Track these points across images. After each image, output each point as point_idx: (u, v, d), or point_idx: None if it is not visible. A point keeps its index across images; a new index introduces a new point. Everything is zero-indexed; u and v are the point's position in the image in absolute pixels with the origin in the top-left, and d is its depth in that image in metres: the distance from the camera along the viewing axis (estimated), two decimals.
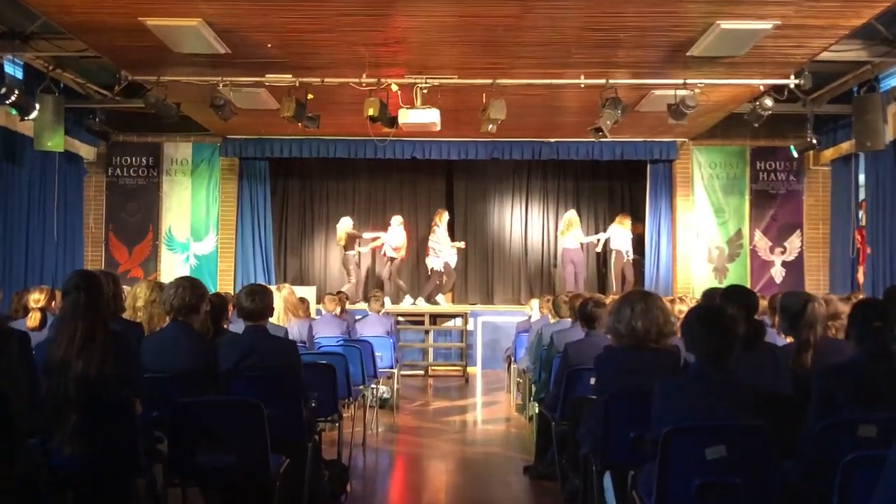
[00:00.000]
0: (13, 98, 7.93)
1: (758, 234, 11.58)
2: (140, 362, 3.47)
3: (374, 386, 7.14)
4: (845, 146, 10.45)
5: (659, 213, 11.83)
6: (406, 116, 8.13)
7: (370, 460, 6.18)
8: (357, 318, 8.67)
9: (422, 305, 11.66)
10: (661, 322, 3.61)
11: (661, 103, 8.67)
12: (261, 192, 12.05)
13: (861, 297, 6.51)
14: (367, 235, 12.17)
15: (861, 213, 10.39)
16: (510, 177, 13.36)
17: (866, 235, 10.07)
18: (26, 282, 9.09)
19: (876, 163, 9.62)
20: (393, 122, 8.35)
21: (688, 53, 7.36)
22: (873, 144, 8.61)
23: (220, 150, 11.70)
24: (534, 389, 6.39)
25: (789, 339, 4.63)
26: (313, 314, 8.70)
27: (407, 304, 11.77)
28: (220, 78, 8.10)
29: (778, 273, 11.50)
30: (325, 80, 8.11)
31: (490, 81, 8.04)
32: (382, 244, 11.97)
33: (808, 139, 9.94)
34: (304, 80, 8.13)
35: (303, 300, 7.21)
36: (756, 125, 9.05)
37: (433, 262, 11.82)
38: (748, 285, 10.98)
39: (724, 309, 3.15)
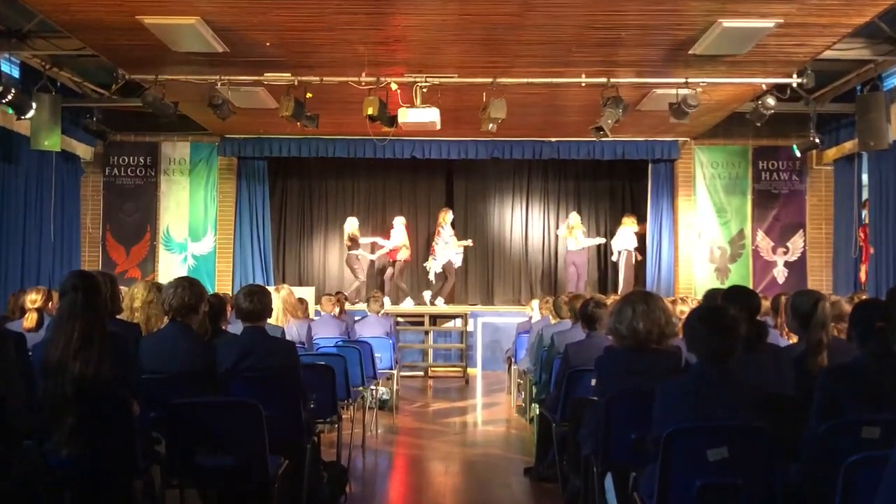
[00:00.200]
0: (9, 97, 7.93)
1: (760, 234, 11.58)
2: (138, 363, 3.48)
3: (373, 387, 7.14)
4: (848, 145, 10.45)
5: (660, 213, 11.83)
6: (406, 116, 8.13)
7: (369, 462, 6.18)
8: (356, 318, 8.67)
9: (441, 306, 11.66)
10: (662, 323, 3.61)
11: (662, 102, 8.68)
12: (259, 192, 12.05)
13: (864, 297, 6.53)
14: (371, 240, 12.11)
15: (864, 213, 10.39)
16: (510, 176, 13.36)
17: (869, 235, 10.07)
18: (23, 282, 9.10)
19: (879, 162, 9.63)
20: (392, 121, 8.35)
21: (689, 52, 7.36)
22: (876, 144, 8.61)
23: (219, 149, 11.70)
24: (534, 390, 6.39)
25: (793, 340, 4.64)
26: (312, 315, 8.71)
27: (407, 305, 11.77)
28: (218, 77, 8.10)
29: (780, 273, 11.50)
30: (325, 78, 8.11)
31: (490, 80, 8.04)
32: (394, 248, 11.93)
33: (811, 138, 9.94)
34: (303, 78, 8.13)
35: (301, 301, 7.22)
36: (758, 124, 9.05)
37: (432, 265, 11.81)
38: (750, 286, 10.96)
39: (726, 309, 3.16)
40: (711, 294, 4.50)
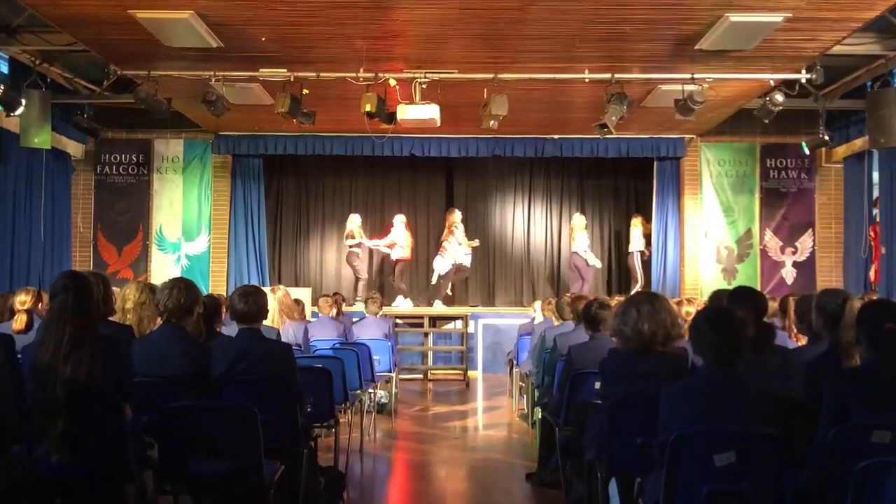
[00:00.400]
0: None
1: (768, 233, 11.58)
2: (130, 366, 3.48)
3: (371, 390, 7.14)
4: (858, 143, 10.45)
5: (666, 212, 11.83)
6: (405, 112, 8.13)
7: (367, 467, 6.18)
8: (354, 320, 8.67)
9: (439, 307, 11.72)
10: (668, 324, 3.61)
11: (668, 99, 8.68)
12: (254, 191, 12.05)
13: (875, 297, 6.53)
14: (371, 243, 12.11)
15: (875, 212, 10.39)
16: (512, 175, 13.36)
17: (880, 234, 10.07)
18: (12, 283, 9.09)
19: (890, 160, 9.63)
20: (391, 118, 8.35)
21: (696, 47, 7.36)
22: (887, 141, 8.61)
23: (213, 147, 11.70)
24: (537, 394, 6.39)
25: (801, 342, 4.64)
26: (309, 316, 8.71)
27: (406, 307, 11.77)
28: (212, 72, 8.10)
29: (789, 274, 11.50)
30: (321, 74, 8.12)
31: (492, 76, 8.04)
32: (392, 243, 11.94)
33: (820, 135, 9.94)
34: (300, 74, 8.13)
35: (298, 302, 7.21)
36: (766, 121, 9.05)
37: (439, 265, 11.81)
38: (758, 286, 10.99)
39: (734, 311, 3.16)
40: (717, 295, 4.50)
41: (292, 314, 6.33)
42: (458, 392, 10.17)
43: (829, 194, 11.54)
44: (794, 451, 2.88)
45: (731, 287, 5.91)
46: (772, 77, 8.30)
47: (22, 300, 5.13)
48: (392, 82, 8.07)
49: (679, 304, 6.07)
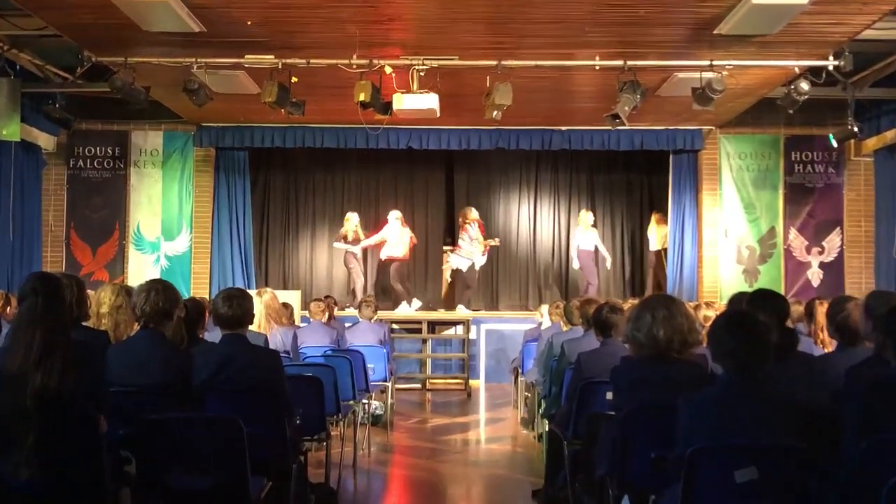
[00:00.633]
0: None
1: (793, 232, 11.58)
2: (106, 374, 3.47)
3: (365, 401, 7.14)
4: (890, 134, 10.45)
5: (683, 210, 11.83)
6: (401, 102, 8.13)
7: (361, 483, 6.18)
8: (347, 325, 8.67)
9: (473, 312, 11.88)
10: (685, 330, 3.61)
11: (685, 87, 8.68)
12: (240, 186, 12.06)
13: None
14: (364, 243, 12.12)
15: None
16: (517, 169, 13.37)
17: None
18: None
19: None
20: (387, 108, 8.35)
21: (715, 31, 7.36)
22: None
23: (195, 139, 11.70)
24: (543, 405, 6.39)
25: (828, 349, 4.65)
26: (298, 321, 8.70)
27: (404, 310, 11.78)
28: (194, 59, 8.10)
29: (815, 276, 11.50)
30: (311, 61, 8.12)
31: (495, 63, 8.04)
32: (382, 242, 11.95)
33: (849, 127, 9.93)
34: (288, 61, 8.13)
35: (286, 306, 7.21)
36: (791, 111, 9.05)
37: (458, 262, 11.86)
38: (782, 289, 11.01)
39: (756, 315, 3.16)
40: (737, 298, 4.50)
41: (280, 319, 6.33)
42: (459, 403, 10.17)
43: (859, 190, 11.53)
44: (821, 466, 2.88)
45: (753, 290, 5.92)
46: (797, 64, 8.29)
47: None
48: (388, 69, 8.07)
49: (697, 308, 6.08)
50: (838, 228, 11.55)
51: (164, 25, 7.26)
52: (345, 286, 12.71)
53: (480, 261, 12.07)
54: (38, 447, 3.02)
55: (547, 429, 5.68)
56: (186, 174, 11.81)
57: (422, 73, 8.12)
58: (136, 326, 3.90)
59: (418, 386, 11.12)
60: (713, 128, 11.57)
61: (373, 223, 12.78)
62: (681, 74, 8.59)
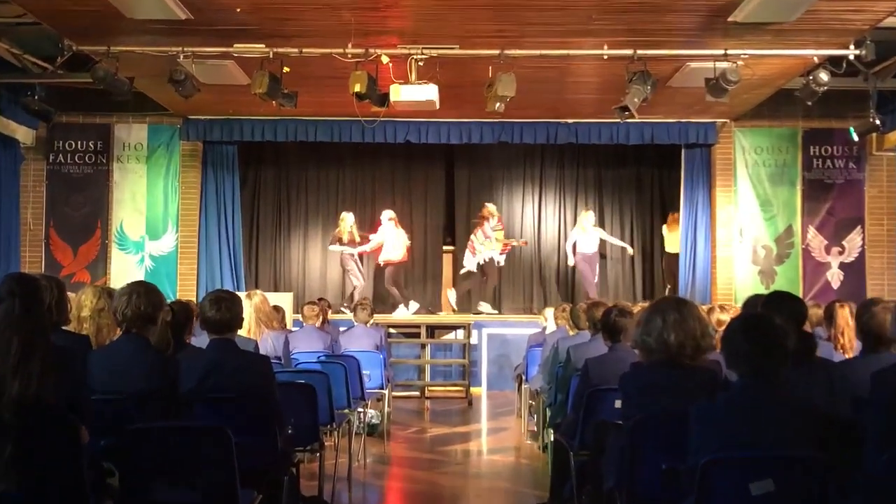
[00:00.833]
0: None
1: (811, 231, 11.58)
2: (87, 381, 3.47)
3: (361, 409, 7.15)
4: None
5: (695, 207, 11.84)
6: (399, 93, 8.14)
7: (356, 497, 6.19)
8: (342, 329, 8.67)
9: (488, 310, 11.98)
10: (697, 334, 3.61)
11: (698, 78, 8.68)
12: (228, 182, 12.06)
13: None
14: (357, 250, 12.12)
15: None
16: (520, 164, 13.37)
17: None
18: None
19: None
20: (383, 100, 8.35)
21: (729, 19, 7.37)
22: None
23: (181, 132, 11.70)
24: (548, 413, 6.40)
25: (848, 355, 4.65)
26: (290, 325, 8.70)
27: (401, 314, 11.78)
28: (180, 48, 8.10)
29: (835, 277, 11.50)
30: (304, 50, 8.12)
31: (498, 52, 8.04)
32: (379, 246, 11.97)
33: (871, 119, 9.93)
34: (280, 50, 8.13)
35: (277, 309, 7.21)
36: (809, 103, 9.04)
37: (469, 263, 11.99)
38: (800, 291, 11.01)
39: (772, 319, 3.16)
40: (752, 301, 4.50)
41: (271, 323, 6.33)
42: (460, 411, 10.17)
43: (881, 186, 11.54)
44: (841, 478, 2.88)
45: (769, 292, 5.93)
46: (816, 53, 8.29)
47: None
48: (385, 59, 8.07)
49: (710, 311, 6.08)
50: (859, 227, 11.55)
51: (148, 12, 7.26)
52: (339, 288, 12.72)
53: (498, 258, 12.12)
54: (16, 458, 3.02)
55: (552, 439, 5.68)
56: (172, 170, 11.81)
57: (420, 63, 8.12)
58: (120, 331, 3.90)
59: (416, 393, 11.12)
60: (727, 121, 11.57)
61: (369, 222, 12.78)
62: (693, 64, 8.59)
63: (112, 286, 6.51)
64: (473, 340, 11.34)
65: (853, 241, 11.55)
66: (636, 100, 8.22)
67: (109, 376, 3.63)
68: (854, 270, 11.51)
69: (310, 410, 5.02)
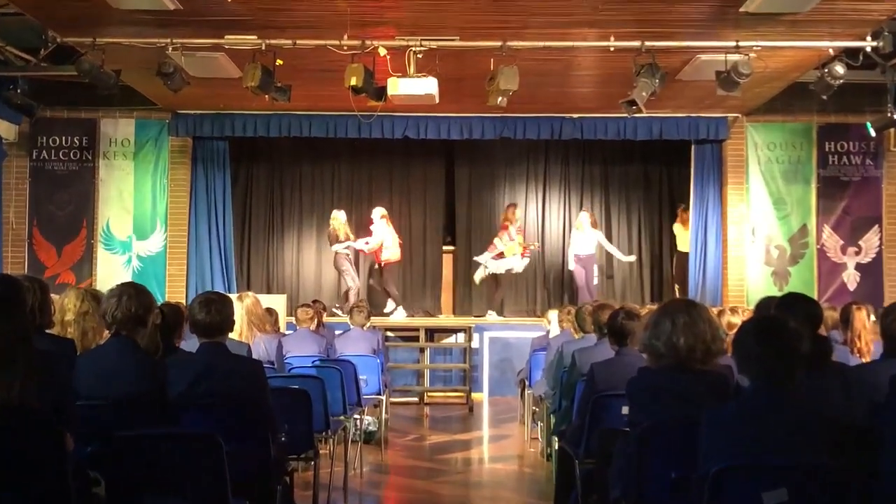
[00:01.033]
0: None
1: (827, 230, 11.58)
2: (72, 387, 3.47)
3: (357, 416, 7.15)
4: None
5: (706, 205, 11.84)
6: (397, 87, 8.14)
7: None
8: (337, 333, 8.67)
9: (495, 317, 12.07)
10: (708, 338, 3.61)
11: (708, 71, 8.68)
12: (219, 180, 12.06)
13: None
14: (359, 244, 12.13)
15: None
16: (523, 160, 13.38)
17: None
18: None
19: None
20: (380, 93, 8.35)
21: (741, 9, 7.37)
22: None
23: (170, 128, 11.71)
24: (553, 420, 6.40)
25: (866, 359, 4.65)
26: (283, 328, 8.71)
27: (399, 316, 11.79)
28: (169, 40, 8.10)
29: (851, 278, 11.51)
30: (298, 42, 8.12)
31: (500, 44, 8.04)
32: (380, 245, 11.98)
33: (889, 114, 9.94)
34: (272, 42, 8.13)
35: (270, 311, 7.21)
36: (824, 97, 9.04)
37: (495, 266, 12.04)
38: (815, 292, 11.02)
39: (786, 321, 3.16)
40: (766, 303, 4.51)
41: (263, 326, 6.33)
42: (461, 418, 10.18)
43: None
44: (857, 486, 2.88)
45: (782, 294, 5.94)
46: (831, 45, 8.29)
47: None
48: (382, 51, 8.07)
49: (721, 313, 6.08)
50: (877, 226, 11.56)
51: (136, 2, 7.26)
52: (334, 290, 12.72)
53: (519, 264, 12.14)
54: None
55: (556, 446, 5.68)
56: (161, 166, 11.81)
57: (419, 56, 8.12)
58: (107, 334, 3.90)
59: (415, 399, 11.12)
60: (739, 115, 11.58)
61: (366, 220, 12.80)
62: (704, 56, 8.59)
63: (98, 288, 6.51)
64: (474, 344, 11.35)
65: (870, 241, 11.56)
66: (644, 94, 8.23)
67: (96, 381, 3.63)
68: (871, 271, 11.51)
69: (304, 417, 5.02)
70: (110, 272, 11.44)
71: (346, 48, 8.04)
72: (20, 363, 3.08)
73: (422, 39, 8.05)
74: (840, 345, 4.98)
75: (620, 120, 11.16)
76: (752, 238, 11.65)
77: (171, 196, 11.84)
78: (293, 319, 8.31)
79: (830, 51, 8.43)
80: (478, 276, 12.26)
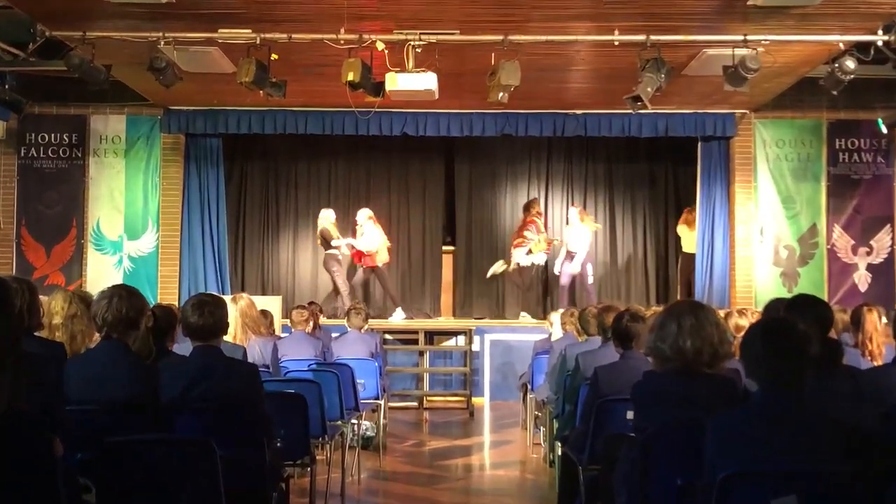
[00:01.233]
0: None
1: (837, 230, 11.59)
2: (62, 392, 3.48)
3: (354, 421, 7.15)
4: None
5: (713, 204, 11.84)
6: (395, 82, 8.14)
7: None
8: (334, 335, 8.67)
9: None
10: (715, 341, 3.61)
11: (715, 66, 8.69)
12: (213, 178, 12.06)
13: None
14: (335, 243, 12.13)
15: None
16: (525, 158, 13.38)
17: None
18: None
19: None
20: (378, 89, 8.36)
21: (749, 2, 7.37)
22: None
23: (162, 124, 11.71)
24: (556, 425, 6.40)
25: (877, 362, 4.65)
26: (279, 331, 8.71)
27: (396, 319, 11.79)
28: (161, 33, 8.10)
29: (862, 279, 11.51)
30: (294, 36, 8.12)
31: (501, 38, 8.05)
32: (362, 252, 11.98)
33: None
34: (267, 36, 8.14)
35: (265, 313, 7.22)
36: (835, 93, 9.05)
37: (526, 260, 12.00)
38: (825, 294, 11.02)
39: (795, 324, 3.16)
40: (774, 305, 4.51)
41: (258, 328, 6.34)
42: (461, 423, 10.18)
43: None
44: (868, 494, 2.89)
45: (791, 295, 5.95)
46: (842, 39, 8.30)
47: None
48: (380, 46, 8.07)
49: (728, 315, 6.09)
50: (888, 226, 11.56)
51: None
52: (330, 292, 12.71)
53: (541, 258, 12.17)
54: None
55: (560, 452, 5.68)
56: (152, 164, 11.81)
57: (418, 50, 8.13)
58: (97, 337, 3.91)
59: (414, 404, 11.12)
60: (747, 112, 11.59)
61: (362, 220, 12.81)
62: (711, 51, 8.59)
63: (88, 290, 6.51)
64: (475, 347, 11.34)
65: (882, 241, 11.56)
66: (649, 89, 8.23)
67: (86, 385, 3.64)
68: (883, 272, 11.51)
69: (300, 422, 5.02)
70: (101, 273, 11.45)
71: (342, 42, 8.04)
72: (9, 367, 3.08)
73: (421, 33, 8.05)
74: (851, 348, 4.98)
75: (625, 116, 11.16)
76: (761, 238, 11.65)
77: (163, 195, 11.84)
78: (288, 322, 8.31)
79: (841, 45, 8.43)
80: (496, 269, 12.23)
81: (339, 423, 6.45)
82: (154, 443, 3.58)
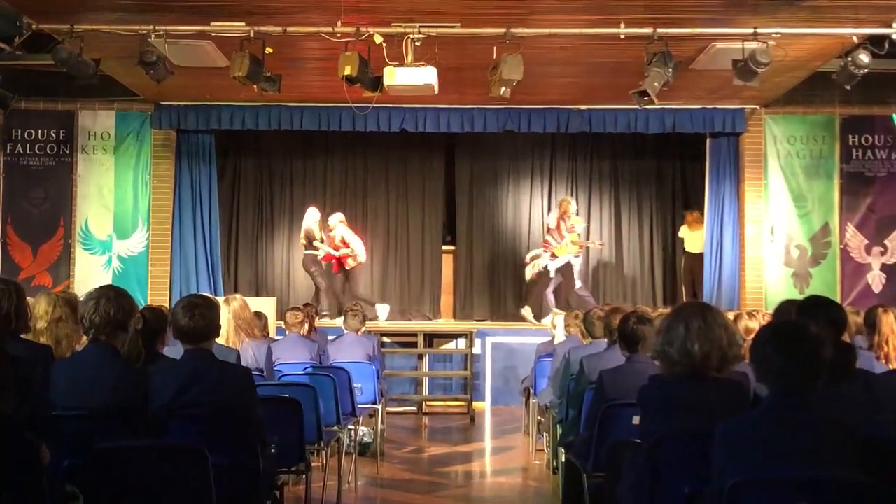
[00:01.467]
0: None
1: (850, 229, 11.59)
2: (49, 395, 3.48)
3: (351, 426, 7.15)
4: None
5: (721, 203, 11.85)
6: (394, 77, 8.14)
7: None
8: (330, 338, 8.67)
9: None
10: (724, 344, 3.62)
11: (724, 60, 8.69)
12: (205, 175, 12.07)
13: None
14: (319, 245, 12.13)
15: None
16: (528, 155, 13.39)
17: None
18: None
19: None
20: (376, 84, 8.35)
21: None
22: None
23: (152, 120, 11.71)
24: (559, 431, 6.40)
25: (892, 366, 4.65)
26: (273, 334, 8.71)
27: (384, 315, 11.81)
28: (151, 26, 8.10)
29: (876, 280, 11.51)
30: (289, 29, 8.12)
31: (503, 31, 8.04)
32: (342, 257, 12.01)
33: None
34: (261, 29, 8.13)
35: (259, 315, 7.21)
36: (848, 88, 9.04)
37: (546, 264, 11.98)
38: (837, 295, 11.02)
39: (807, 326, 3.16)
40: (785, 307, 4.51)
41: (251, 330, 6.34)
42: (461, 429, 10.18)
43: None
44: (884, 502, 2.89)
45: (803, 297, 5.95)
46: (855, 32, 8.30)
47: None
48: (378, 39, 8.06)
49: (738, 317, 6.08)
50: None
51: None
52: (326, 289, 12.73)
53: (576, 261, 12.13)
54: None
55: (563, 459, 5.68)
56: (143, 161, 11.82)
57: (417, 43, 8.13)
58: (84, 340, 3.90)
59: (413, 409, 11.12)
60: (757, 107, 11.59)
61: (360, 218, 12.83)
62: (720, 44, 8.59)
63: (76, 291, 6.50)
64: (476, 350, 11.33)
65: None
66: (656, 84, 8.23)
67: (74, 389, 3.64)
68: None
69: (295, 427, 5.02)
70: (89, 274, 11.45)
71: (339, 35, 8.04)
72: None
73: (420, 26, 8.05)
74: (865, 351, 4.98)
75: (631, 112, 11.16)
76: (771, 237, 11.65)
77: (154, 193, 11.84)
78: (283, 324, 8.31)
79: (854, 38, 8.42)
80: (528, 272, 12.26)
81: (336, 428, 6.44)
82: (144, 449, 3.57)
